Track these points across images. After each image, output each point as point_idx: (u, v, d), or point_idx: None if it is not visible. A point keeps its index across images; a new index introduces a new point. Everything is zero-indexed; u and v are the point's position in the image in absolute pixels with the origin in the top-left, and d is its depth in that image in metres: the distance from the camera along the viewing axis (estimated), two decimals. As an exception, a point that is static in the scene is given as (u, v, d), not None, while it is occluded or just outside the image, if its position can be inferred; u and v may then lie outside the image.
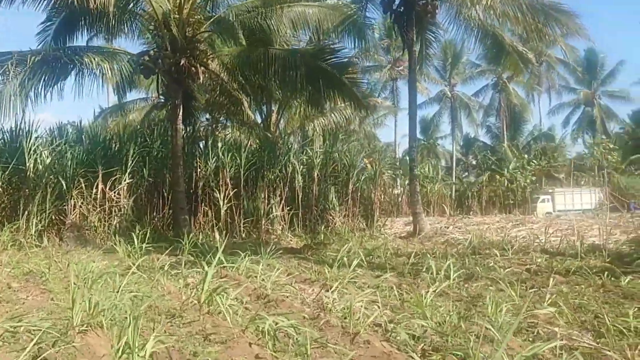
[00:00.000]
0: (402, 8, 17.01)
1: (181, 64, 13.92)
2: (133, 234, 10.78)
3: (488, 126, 53.35)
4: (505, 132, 50.36)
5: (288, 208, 15.58)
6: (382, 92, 52.04)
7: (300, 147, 16.75)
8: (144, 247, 9.96)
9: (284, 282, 7.79)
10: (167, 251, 9.63)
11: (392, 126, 79.53)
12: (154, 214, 14.67)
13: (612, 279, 7.64)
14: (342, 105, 26.12)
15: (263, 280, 7.88)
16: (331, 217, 16.13)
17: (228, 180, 15.08)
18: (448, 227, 17.70)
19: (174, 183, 14.40)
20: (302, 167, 15.99)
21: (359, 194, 17.18)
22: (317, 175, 16.09)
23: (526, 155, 44.50)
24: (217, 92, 20.70)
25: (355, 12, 17.46)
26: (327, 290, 7.15)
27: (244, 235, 14.84)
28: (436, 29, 18.46)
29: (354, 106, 18.20)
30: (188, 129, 16.60)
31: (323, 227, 15.62)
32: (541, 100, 57.40)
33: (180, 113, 14.59)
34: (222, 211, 14.61)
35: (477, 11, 15.89)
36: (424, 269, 8.61)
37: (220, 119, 25.68)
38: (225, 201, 14.73)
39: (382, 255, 10.82)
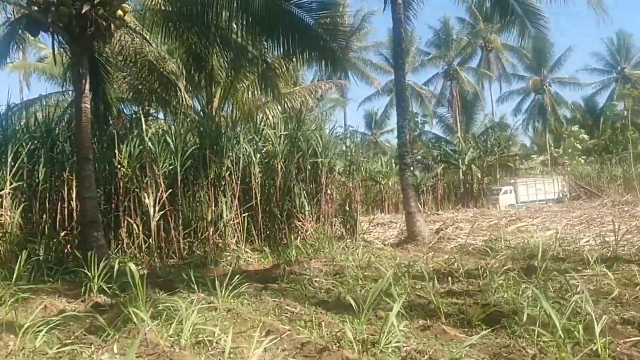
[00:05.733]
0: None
1: (83, 12, 9.57)
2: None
3: (439, 116, 50.28)
4: (458, 122, 47.58)
5: (243, 213, 11.43)
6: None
7: (256, 129, 12.52)
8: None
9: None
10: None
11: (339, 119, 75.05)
12: (56, 229, 10.32)
13: None
14: (296, 88, 22.52)
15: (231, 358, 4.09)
16: (301, 223, 12.04)
17: (160, 179, 10.84)
18: (446, 228, 14.04)
19: (80, 186, 9.93)
20: (259, 156, 11.77)
21: (333, 190, 13.11)
22: (282, 166, 11.95)
23: (480, 146, 41.82)
24: (145, 71, 16.41)
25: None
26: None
27: (185, 254, 10.61)
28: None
29: (332, 68, 13.21)
30: (101, 109, 12.09)
31: (293, 236, 11.50)
32: (492, 88, 54.86)
33: (87, 87, 10.24)
34: (153, 222, 10.40)
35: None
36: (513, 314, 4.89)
37: (151, 111, 21.50)
38: (157, 208, 10.53)
39: (406, 282, 6.99)
